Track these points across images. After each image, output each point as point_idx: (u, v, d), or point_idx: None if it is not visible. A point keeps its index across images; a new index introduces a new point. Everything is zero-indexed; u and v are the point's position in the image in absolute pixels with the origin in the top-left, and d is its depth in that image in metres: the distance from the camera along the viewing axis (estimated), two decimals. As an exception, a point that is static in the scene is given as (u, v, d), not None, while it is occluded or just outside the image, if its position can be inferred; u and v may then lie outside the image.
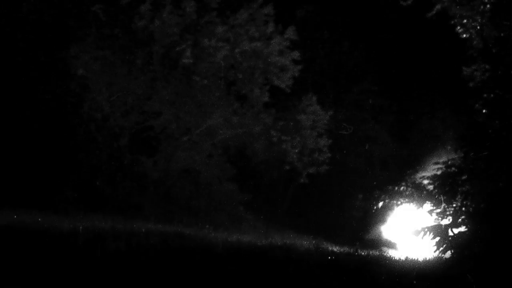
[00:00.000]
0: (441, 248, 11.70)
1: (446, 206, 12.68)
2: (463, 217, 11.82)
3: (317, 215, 19.23)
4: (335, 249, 11.20)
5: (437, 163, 13.78)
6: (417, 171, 16.96)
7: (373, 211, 17.99)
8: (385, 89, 21.34)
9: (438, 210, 12.99)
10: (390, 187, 17.50)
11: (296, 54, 17.76)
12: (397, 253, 12.66)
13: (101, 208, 13.44)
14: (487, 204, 11.17)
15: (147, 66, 16.86)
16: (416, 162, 18.35)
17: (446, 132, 17.73)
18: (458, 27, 12.66)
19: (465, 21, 12.44)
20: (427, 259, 11.31)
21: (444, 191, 12.58)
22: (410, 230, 12.99)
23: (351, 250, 11.19)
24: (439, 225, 12.12)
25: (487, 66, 11.74)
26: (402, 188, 16.87)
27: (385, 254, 11.90)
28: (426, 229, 12.05)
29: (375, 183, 19.36)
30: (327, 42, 21.47)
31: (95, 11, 16.29)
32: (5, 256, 7.82)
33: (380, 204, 17.89)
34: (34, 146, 15.30)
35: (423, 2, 13.04)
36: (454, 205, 12.22)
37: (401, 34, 20.94)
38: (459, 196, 12.13)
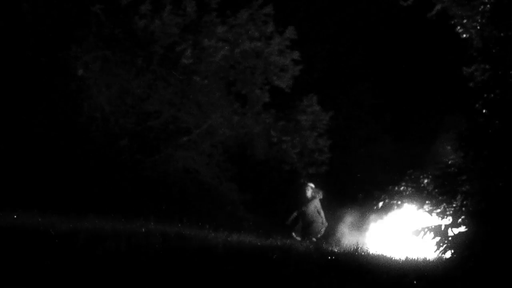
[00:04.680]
0: (441, 248, 11.70)
1: (446, 206, 12.69)
2: (463, 217, 11.83)
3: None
4: (335, 249, 11.19)
5: (437, 163, 13.77)
6: (417, 171, 16.92)
7: (373, 211, 17.97)
8: (385, 89, 21.34)
9: (438, 210, 12.99)
10: (390, 187, 17.46)
11: (296, 54, 17.76)
12: (397, 253, 12.66)
13: (101, 208, 13.43)
14: (487, 204, 11.18)
15: (147, 66, 16.87)
16: (416, 162, 18.33)
17: (446, 132, 17.71)
18: (458, 27, 12.67)
19: (465, 21, 12.45)
20: (427, 259, 11.31)
21: (444, 191, 12.59)
22: (410, 230, 12.99)
23: (351, 250, 11.18)
24: (439, 225, 12.13)
25: (487, 66, 11.75)
26: (402, 188, 16.82)
27: (385, 254, 11.90)
28: (426, 229, 12.06)
29: (375, 183, 19.34)
30: (327, 42, 21.46)
31: (95, 11, 16.30)
32: (5, 257, 7.83)
33: (380, 204, 17.86)
34: (33, 146, 15.31)
35: (423, 2, 13.05)
36: (454, 205, 12.23)
37: (401, 33, 20.94)
38: (459, 196, 12.14)
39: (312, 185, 13.62)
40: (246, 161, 18.57)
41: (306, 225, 13.17)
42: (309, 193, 13.38)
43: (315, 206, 13.30)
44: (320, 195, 13.51)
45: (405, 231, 14.04)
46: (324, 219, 13.31)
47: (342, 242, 14.62)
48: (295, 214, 13.32)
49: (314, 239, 12.93)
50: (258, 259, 8.98)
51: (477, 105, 11.94)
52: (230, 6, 17.28)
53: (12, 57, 15.85)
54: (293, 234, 13.17)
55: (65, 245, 8.65)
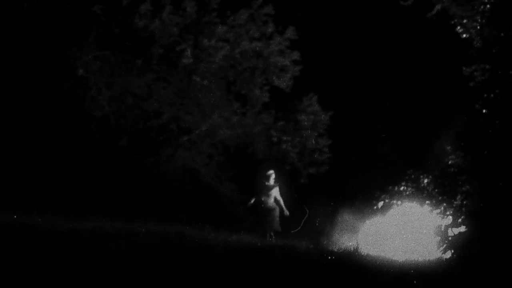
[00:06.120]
0: (441, 248, 11.73)
1: (446, 206, 12.71)
2: (463, 217, 11.85)
3: (317, 215, 19.23)
4: (335, 249, 11.21)
5: (437, 163, 13.79)
6: (417, 171, 16.94)
7: (373, 211, 17.98)
8: (385, 89, 21.32)
9: (438, 210, 13.01)
10: (390, 187, 17.48)
11: (296, 54, 17.77)
12: (397, 253, 12.67)
13: (101, 208, 13.44)
14: (487, 204, 11.20)
15: (147, 66, 16.87)
16: (416, 162, 18.33)
17: (446, 132, 17.73)
18: (458, 27, 12.69)
19: (465, 21, 12.47)
20: (427, 259, 11.32)
21: (444, 191, 12.62)
22: (410, 230, 13.01)
23: (351, 250, 11.20)
24: (439, 225, 12.15)
25: (487, 66, 11.77)
26: (402, 188, 16.84)
27: (385, 254, 11.92)
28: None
29: (375, 183, 19.34)
30: (327, 42, 21.44)
31: (95, 11, 16.30)
32: (5, 256, 7.83)
33: (380, 204, 17.87)
34: (32, 146, 15.32)
35: (423, 2, 13.07)
36: (454, 205, 12.25)
37: (401, 33, 20.93)
38: (459, 196, 12.17)
39: (272, 172, 13.00)
40: (246, 161, 18.56)
41: (263, 216, 12.62)
42: (271, 181, 12.84)
43: (275, 197, 12.76)
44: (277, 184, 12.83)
45: (405, 230, 14.05)
46: (285, 209, 12.66)
47: (342, 242, 14.63)
48: (253, 200, 12.71)
49: (272, 233, 12.38)
50: (258, 259, 8.98)
51: (477, 105, 11.96)
52: (230, 6, 17.28)
53: (11, 57, 15.85)
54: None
55: (65, 245, 8.65)
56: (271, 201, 12.67)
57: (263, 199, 12.69)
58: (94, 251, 8.35)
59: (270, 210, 12.58)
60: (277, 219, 12.69)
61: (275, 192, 12.80)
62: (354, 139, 21.32)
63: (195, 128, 17.41)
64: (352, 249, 11.21)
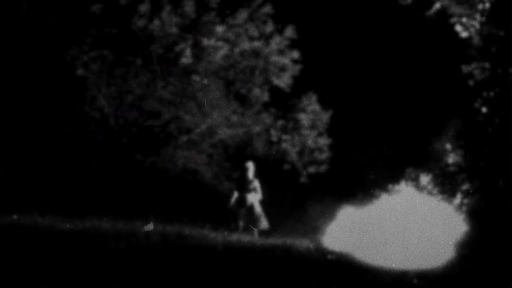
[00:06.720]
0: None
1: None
2: (463, 216, 11.86)
3: (317, 215, 19.22)
4: (335, 249, 11.20)
5: (437, 162, 13.80)
6: (417, 170, 16.94)
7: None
8: (385, 88, 21.32)
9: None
10: (390, 186, 17.47)
11: (296, 54, 17.77)
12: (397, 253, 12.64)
13: (101, 208, 13.44)
14: (487, 203, 11.21)
15: (147, 65, 16.88)
16: (416, 161, 18.33)
17: (446, 132, 17.72)
18: (457, 26, 12.69)
19: (464, 19, 12.48)
20: (427, 259, 11.30)
21: (443, 190, 12.62)
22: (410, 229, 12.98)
23: (351, 249, 11.19)
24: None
25: (486, 65, 11.77)
26: (402, 187, 16.83)
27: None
28: (426, 228, 12.06)
29: (375, 182, 19.34)
30: (327, 41, 21.42)
31: (94, 11, 16.31)
32: (5, 256, 7.84)
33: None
34: (32, 146, 15.33)
35: (422, 1, 13.07)
36: (454, 204, 12.26)
37: (401, 32, 20.93)
38: (459, 195, 12.17)
39: (250, 165, 12.38)
40: (246, 161, 18.53)
41: (245, 212, 12.04)
42: (250, 174, 12.24)
43: (254, 189, 12.15)
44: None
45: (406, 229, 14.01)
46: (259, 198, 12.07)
47: (342, 241, 14.57)
48: (235, 196, 12.06)
49: (256, 231, 11.97)
50: (258, 259, 8.98)
51: (476, 104, 11.97)
52: (230, 6, 17.29)
53: (10, 57, 15.86)
54: (240, 223, 11.96)
55: (66, 245, 8.65)
56: (251, 196, 12.09)
57: (244, 195, 12.08)
58: (94, 251, 8.36)
59: (251, 207, 12.04)
60: (262, 215, 12.14)
61: (255, 186, 12.19)
62: (354, 138, 21.34)
63: (195, 128, 17.42)
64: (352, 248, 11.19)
